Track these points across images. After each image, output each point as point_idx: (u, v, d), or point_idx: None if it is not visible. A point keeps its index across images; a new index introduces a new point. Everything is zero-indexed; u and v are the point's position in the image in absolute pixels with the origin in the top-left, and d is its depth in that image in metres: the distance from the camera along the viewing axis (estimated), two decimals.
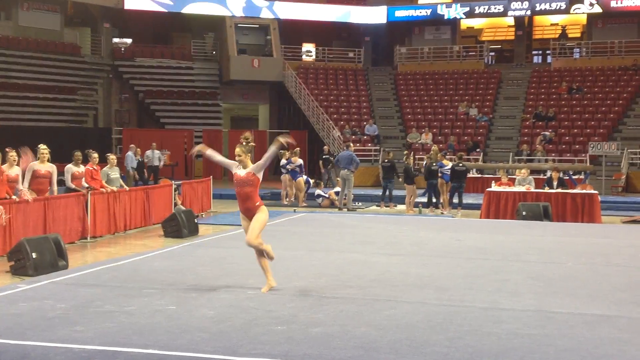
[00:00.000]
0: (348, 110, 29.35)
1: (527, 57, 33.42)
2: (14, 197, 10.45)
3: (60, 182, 12.10)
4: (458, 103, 28.83)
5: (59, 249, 9.14)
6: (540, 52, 34.69)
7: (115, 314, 6.20)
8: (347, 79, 31.49)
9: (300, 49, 32.89)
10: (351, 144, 19.38)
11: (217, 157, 7.54)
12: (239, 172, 7.18)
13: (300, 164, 18.78)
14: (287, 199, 18.93)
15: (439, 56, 31.78)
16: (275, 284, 7.25)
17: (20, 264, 8.75)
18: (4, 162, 10.73)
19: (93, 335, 5.47)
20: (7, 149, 11.44)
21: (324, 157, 22.94)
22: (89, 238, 11.97)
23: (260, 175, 7.21)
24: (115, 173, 13.24)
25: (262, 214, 7.25)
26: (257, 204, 7.21)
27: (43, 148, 11.31)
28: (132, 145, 22.24)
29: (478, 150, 25.52)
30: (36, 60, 28.90)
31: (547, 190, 15.84)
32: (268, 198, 20.34)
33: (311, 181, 19.60)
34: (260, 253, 7.28)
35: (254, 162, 7.21)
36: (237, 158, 7.19)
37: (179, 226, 12.37)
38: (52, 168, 11.40)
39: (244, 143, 7.18)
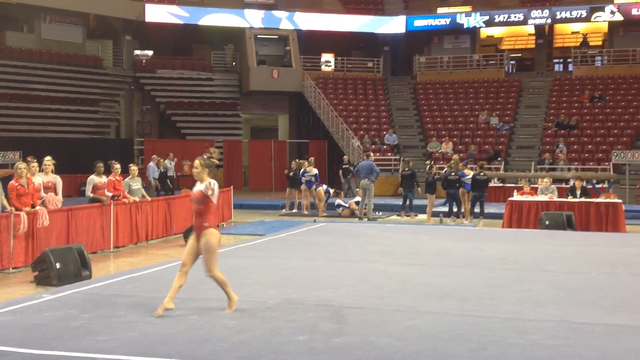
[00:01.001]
0: (367, 119, 29.35)
1: (548, 65, 33.22)
2: (38, 207, 10.58)
3: (82, 193, 12.24)
4: (478, 112, 28.71)
5: (83, 259, 9.23)
6: (561, 60, 34.45)
7: (138, 323, 6.24)
8: (367, 88, 31.51)
9: (320, 59, 32.99)
10: (371, 154, 19.36)
11: None
12: (195, 187, 6.80)
13: (316, 174, 18.80)
14: (306, 210, 18.94)
15: (458, 65, 31.70)
16: (172, 307, 6.60)
17: (44, 274, 8.84)
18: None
19: (116, 345, 5.51)
20: (28, 159, 11.61)
21: (343, 166, 22.94)
22: (111, 248, 12.06)
23: (213, 198, 6.66)
24: (137, 184, 13.35)
25: (210, 239, 6.64)
26: (205, 224, 6.65)
27: (47, 160, 11.47)
28: (154, 156, 22.37)
29: (499, 159, 25.37)
30: (59, 72, 29.26)
31: (570, 199, 15.69)
32: (292, 208, 20.37)
33: (331, 191, 19.59)
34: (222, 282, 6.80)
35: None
36: (193, 170, 6.82)
37: None
38: (55, 179, 11.51)
39: (206, 156, 6.87)
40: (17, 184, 10.32)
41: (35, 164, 11.29)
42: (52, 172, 11.47)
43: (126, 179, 13.23)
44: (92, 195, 12.25)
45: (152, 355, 5.19)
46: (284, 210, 19.24)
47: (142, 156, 28.12)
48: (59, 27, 30.36)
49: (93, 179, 12.37)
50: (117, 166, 12.91)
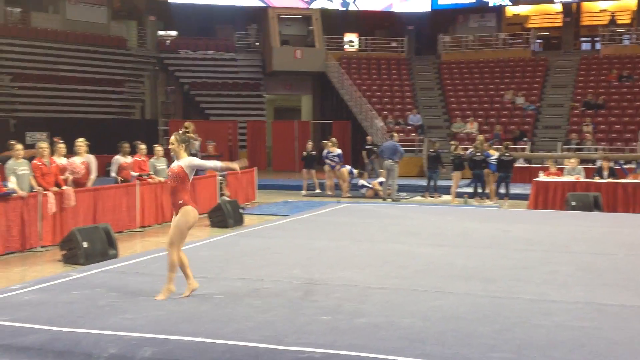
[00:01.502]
0: (391, 100, 29.17)
1: (575, 44, 32.69)
2: (65, 187, 10.71)
3: (107, 173, 12.38)
4: (504, 92, 28.39)
5: (109, 238, 9.35)
6: (588, 39, 33.88)
7: (164, 302, 6.31)
8: (390, 68, 31.29)
9: (343, 39, 32.80)
10: (395, 134, 19.26)
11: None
12: (173, 163, 6.66)
13: (339, 154, 18.77)
14: (330, 190, 18.95)
15: (484, 44, 31.30)
16: (174, 289, 6.48)
17: (72, 253, 8.98)
18: (52, 153, 11.03)
19: (143, 323, 5.58)
20: (55, 139, 11.76)
21: (367, 147, 22.87)
22: (137, 228, 12.18)
23: (188, 172, 6.52)
24: (162, 164, 13.45)
25: (182, 216, 6.52)
26: (180, 202, 6.53)
27: (80, 141, 11.59)
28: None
29: (525, 139, 25.11)
30: (84, 53, 29.45)
31: (597, 180, 15.51)
32: (312, 188, 20.40)
33: (355, 171, 19.56)
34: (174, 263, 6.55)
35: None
36: (170, 146, 6.66)
37: (225, 216, 12.52)
38: (88, 159, 11.65)
39: (181, 131, 6.69)
40: (40, 163, 10.45)
41: (63, 145, 11.43)
42: (86, 152, 11.63)
43: (151, 160, 13.33)
44: (114, 175, 12.39)
45: (177, 334, 5.24)
46: (304, 192, 19.25)
47: (167, 137, 28.27)
48: (84, 7, 30.50)
49: (118, 159, 12.51)
50: (143, 146, 13.04)
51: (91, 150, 11.91)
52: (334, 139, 19.58)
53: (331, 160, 18.66)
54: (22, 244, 9.83)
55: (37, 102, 27.24)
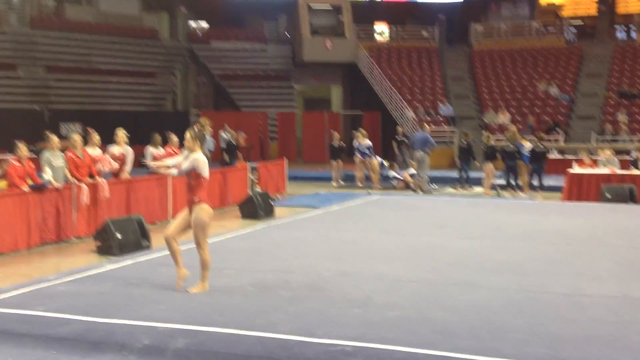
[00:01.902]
0: (422, 90, 28.96)
1: (610, 32, 32.06)
2: (100, 178, 10.85)
3: (140, 164, 12.49)
4: (537, 81, 27.99)
5: (142, 230, 9.45)
6: (624, 27, 33.19)
7: (196, 293, 6.36)
8: (421, 58, 31.05)
9: (373, 29, 32.59)
10: (426, 125, 19.13)
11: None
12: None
13: (369, 146, 18.70)
14: (361, 182, 18.91)
15: (516, 33, 30.86)
16: (187, 273, 6.60)
17: (106, 244, 9.09)
18: (86, 143, 11.18)
19: (175, 314, 5.64)
20: (89, 131, 11.91)
21: (397, 138, 22.76)
22: (169, 219, 12.29)
23: (202, 172, 6.53)
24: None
25: (199, 213, 6.48)
26: (196, 199, 6.51)
27: (120, 131, 11.73)
28: (225, 125, 22.24)
29: (559, 130, 24.76)
30: (117, 45, 29.76)
31: (632, 171, 15.23)
32: (343, 180, 20.37)
33: (385, 163, 19.48)
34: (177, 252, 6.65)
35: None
36: (185, 143, 6.66)
37: (256, 208, 12.56)
38: (126, 150, 11.78)
39: (197, 129, 6.61)
40: (73, 155, 10.57)
41: (97, 136, 11.57)
42: (125, 143, 11.78)
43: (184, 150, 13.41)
44: (149, 163, 12.51)
45: (209, 325, 5.29)
46: (334, 184, 19.19)
47: None
48: None
49: (151, 150, 12.62)
50: (174, 138, 13.12)
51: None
52: (363, 130, 19.51)
53: (362, 151, 18.61)
54: (57, 235, 9.98)
55: (71, 94, 27.61)
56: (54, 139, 10.34)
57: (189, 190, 6.59)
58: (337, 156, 19.21)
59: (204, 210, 6.50)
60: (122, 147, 11.78)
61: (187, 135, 6.60)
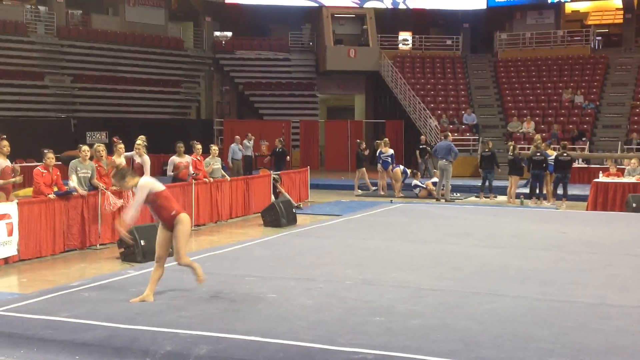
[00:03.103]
0: (445, 99, 28.87)
1: (637, 41, 31.67)
2: None
3: (164, 172, 12.59)
4: (562, 90, 27.77)
5: None
6: None
7: (219, 300, 6.39)
8: (445, 67, 30.96)
9: (397, 37, 32.60)
10: (449, 134, 19.05)
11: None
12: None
13: (392, 154, 18.67)
14: (383, 190, 18.88)
15: (541, 42, 30.66)
16: (152, 300, 6.35)
17: (129, 251, 9.17)
18: (111, 152, 11.30)
19: (198, 321, 5.66)
20: (114, 140, 12.03)
21: (420, 147, 22.69)
22: (192, 226, 12.36)
23: (154, 191, 6.39)
24: (217, 163, 13.61)
25: (181, 225, 6.43)
26: (173, 213, 6.42)
27: (140, 139, 11.81)
28: (237, 137, 22.29)
29: (584, 139, 24.51)
30: (142, 54, 30.07)
31: None
32: (365, 188, 20.35)
33: (408, 171, 19.43)
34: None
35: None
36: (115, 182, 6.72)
37: (278, 216, 12.59)
38: (143, 160, 11.84)
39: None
40: (97, 165, 10.68)
41: (122, 145, 11.69)
42: (144, 152, 11.85)
43: (207, 159, 13.51)
44: (173, 174, 12.59)
45: (232, 332, 5.30)
46: (360, 191, 19.17)
47: (222, 136, 28.64)
48: (143, 9, 31.15)
49: (174, 159, 12.72)
50: (199, 146, 13.24)
51: (148, 150, 12.13)
52: (386, 139, 19.49)
53: (384, 160, 18.58)
54: (82, 242, 10.09)
55: (98, 103, 27.93)
56: (85, 149, 10.44)
57: (161, 210, 6.42)
58: (360, 164, 19.19)
59: (184, 222, 6.45)
60: (140, 156, 11.83)
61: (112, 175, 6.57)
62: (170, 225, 6.45)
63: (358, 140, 20.52)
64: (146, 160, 11.87)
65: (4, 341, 5.34)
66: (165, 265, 6.56)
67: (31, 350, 5.17)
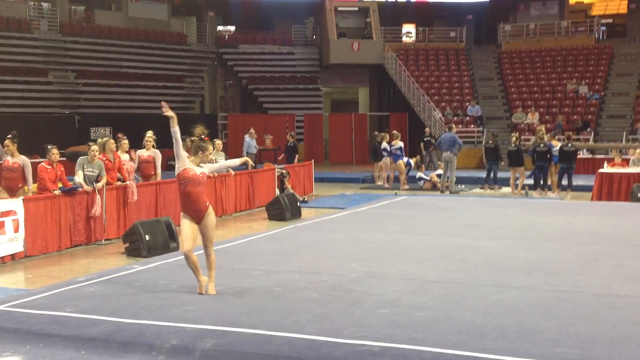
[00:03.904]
0: (450, 91, 28.81)
1: None
2: (129, 181, 10.95)
3: (169, 167, 12.59)
4: (566, 81, 27.68)
5: (170, 231, 9.53)
6: None
7: (224, 294, 6.39)
8: (449, 59, 30.89)
9: (400, 30, 32.52)
10: (453, 126, 19.01)
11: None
12: (194, 169, 6.49)
13: (401, 147, 18.64)
14: (387, 183, 18.87)
15: (545, 33, 30.56)
16: (206, 280, 6.47)
17: (134, 246, 9.19)
18: (116, 148, 11.30)
19: (203, 315, 5.67)
20: (119, 135, 12.04)
21: (425, 139, 22.66)
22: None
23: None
24: (221, 158, 13.59)
25: (213, 216, 6.60)
26: (208, 204, 6.57)
27: (149, 135, 11.82)
28: (251, 130, 22.08)
29: (589, 129, 24.45)
30: (145, 49, 30.06)
31: None
32: (369, 181, 20.35)
33: (412, 162, 19.36)
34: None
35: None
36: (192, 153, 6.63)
37: (283, 209, 12.60)
38: (154, 154, 11.88)
39: (196, 139, 6.51)
40: (104, 159, 10.71)
41: (126, 141, 11.71)
42: (153, 147, 11.87)
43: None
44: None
45: (237, 326, 5.31)
46: (387, 185, 19.00)
47: (225, 131, 28.64)
48: (145, 4, 31.13)
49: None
50: None
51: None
52: (394, 131, 19.49)
53: (394, 152, 18.56)
54: (87, 237, 10.11)
55: (101, 99, 27.96)
56: (94, 147, 10.45)
57: (199, 197, 6.43)
58: (376, 157, 19.13)
59: (213, 213, 6.63)
60: (150, 150, 11.89)
61: (187, 142, 6.62)
62: (202, 215, 6.46)
63: (375, 133, 20.42)
64: (157, 154, 11.90)
65: (10, 337, 5.36)
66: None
67: (37, 346, 5.19)
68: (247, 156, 20.57)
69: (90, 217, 10.10)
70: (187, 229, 6.44)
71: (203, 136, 6.53)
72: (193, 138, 6.55)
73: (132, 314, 5.70)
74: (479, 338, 4.97)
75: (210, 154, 6.60)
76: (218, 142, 14.04)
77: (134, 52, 29.71)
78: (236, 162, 7.18)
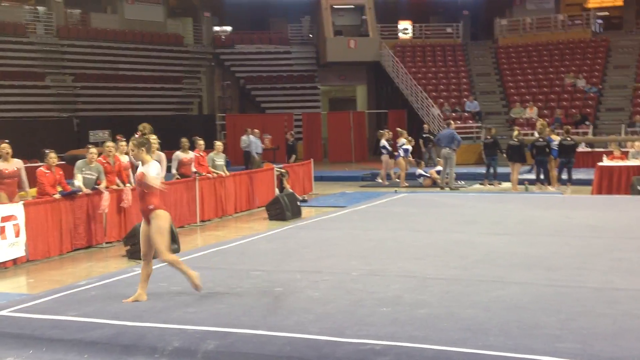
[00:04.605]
0: (447, 87, 28.81)
1: (638, 23, 31.55)
2: (127, 185, 10.94)
3: (167, 169, 12.56)
4: (564, 74, 27.68)
5: (171, 233, 9.48)
6: None
7: (226, 295, 6.40)
8: (446, 55, 30.88)
9: (397, 27, 32.50)
10: (452, 122, 19.00)
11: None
12: (138, 168, 6.43)
13: (403, 145, 18.67)
14: (387, 180, 18.87)
15: (542, 27, 30.55)
16: (145, 299, 6.25)
17: (135, 249, 9.16)
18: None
19: (205, 316, 5.67)
20: (117, 137, 12.03)
21: (424, 136, 22.66)
22: (198, 222, 12.39)
23: (150, 182, 6.22)
24: (220, 160, 13.60)
25: (157, 220, 6.25)
26: (151, 207, 6.29)
27: (153, 138, 11.76)
28: (255, 130, 21.92)
29: (587, 123, 24.44)
30: (142, 51, 30.07)
31: None
32: (369, 179, 20.35)
33: (409, 148, 19.10)
34: (176, 266, 6.38)
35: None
36: (130, 153, 6.57)
37: (283, 209, 12.60)
38: (159, 157, 11.85)
39: (138, 135, 6.39)
40: (104, 161, 10.71)
41: (124, 143, 11.68)
42: (157, 149, 11.83)
43: (211, 154, 13.51)
44: (174, 171, 12.58)
45: (239, 327, 5.31)
46: (406, 183, 18.82)
47: (224, 131, 28.64)
48: (141, 6, 31.12)
49: (178, 155, 12.71)
50: (201, 142, 13.24)
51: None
52: (398, 128, 19.49)
53: (405, 149, 18.57)
54: (88, 241, 10.12)
55: (99, 102, 27.96)
56: (93, 150, 10.45)
57: (140, 198, 6.33)
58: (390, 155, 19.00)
59: (161, 217, 6.29)
60: (155, 154, 11.82)
61: (130, 144, 6.38)
62: (147, 218, 6.32)
63: (382, 132, 20.28)
64: (162, 157, 11.87)
65: (12, 341, 5.36)
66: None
67: (40, 350, 5.20)
68: (256, 156, 20.64)
69: (91, 221, 10.09)
70: (143, 229, 6.37)
71: (137, 133, 6.40)
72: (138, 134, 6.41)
73: (133, 316, 5.71)
74: (480, 335, 4.98)
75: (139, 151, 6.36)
76: (218, 143, 13.97)
77: (130, 55, 29.70)
78: (157, 182, 6.33)
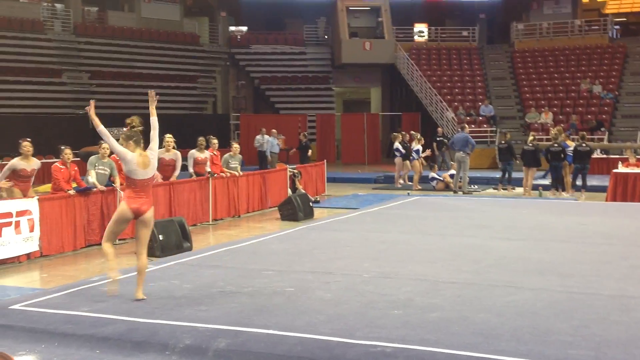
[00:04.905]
0: (462, 90, 28.72)
1: None
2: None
3: (184, 167, 12.60)
4: (580, 80, 27.52)
5: (184, 232, 9.56)
6: None
7: (237, 294, 6.41)
8: (461, 58, 30.79)
9: (412, 29, 32.46)
10: (466, 126, 18.93)
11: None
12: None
13: (418, 150, 18.65)
14: (400, 183, 18.84)
15: (559, 31, 30.40)
16: (115, 276, 6.42)
17: (148, 246, 9.18)
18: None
19: (216, 314, 5.68)
20: None
21: (437, 139, 22.59)
22: (210, 221, 12.43)
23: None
24: (235, 162, 13.57)
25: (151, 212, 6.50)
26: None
27: (168, 137, 11.82)
28: (273, 130, 21.90)
29: (603, 129, 24.29)
30: (158, 50, 30.21)
31: None
32: (382, 181, 20.33)
33: (420, 149, 19.00)
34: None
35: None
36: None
37: (295, 210, 12.60)
38: (175, 156, 11.92)
39: (126, 129, 6.50)
40: (116, 159, 10.75)
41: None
42: (173, 148, 11.89)
43: (225, 155, 13.52)
44: (192, 171, 12.61)
45: (250, 326, 5.32)
46: (419, 186, 18.76)
47: (238, 131, 28.70)
48: (158, 5, 31.28)
49: (194, 153, 12.74)
50: (215, 141, 13.26)
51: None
52: (412, 132, 19.47)
53: (415, 153, 18.56)
54: (102, 237, 10.14)
55: (116, 99, 28.08)
56: (105, 146, 10.49)
57: (147, 189, 6.45)
58: (405, 157, 18.89)
59: (119, 206, 6.53)
60: (171, 152, 11.90)
61: (120, 139, 6.45)
62: (147, 209, 6.46)
63: (403, 133, 20.16)
64: (178, 156, 11.91)
65: (25, 336, 5.40)
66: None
67: (52, 345, 5.23)
68: (270, 155, 20.67)
69: (105, 217, 10.13)
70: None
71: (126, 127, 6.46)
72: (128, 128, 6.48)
73: (145, 313, 5.73)
74: (492, 339, 4.96)
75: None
76: (235, 145, 13.84)
77: (146, 53, 29.84)
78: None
